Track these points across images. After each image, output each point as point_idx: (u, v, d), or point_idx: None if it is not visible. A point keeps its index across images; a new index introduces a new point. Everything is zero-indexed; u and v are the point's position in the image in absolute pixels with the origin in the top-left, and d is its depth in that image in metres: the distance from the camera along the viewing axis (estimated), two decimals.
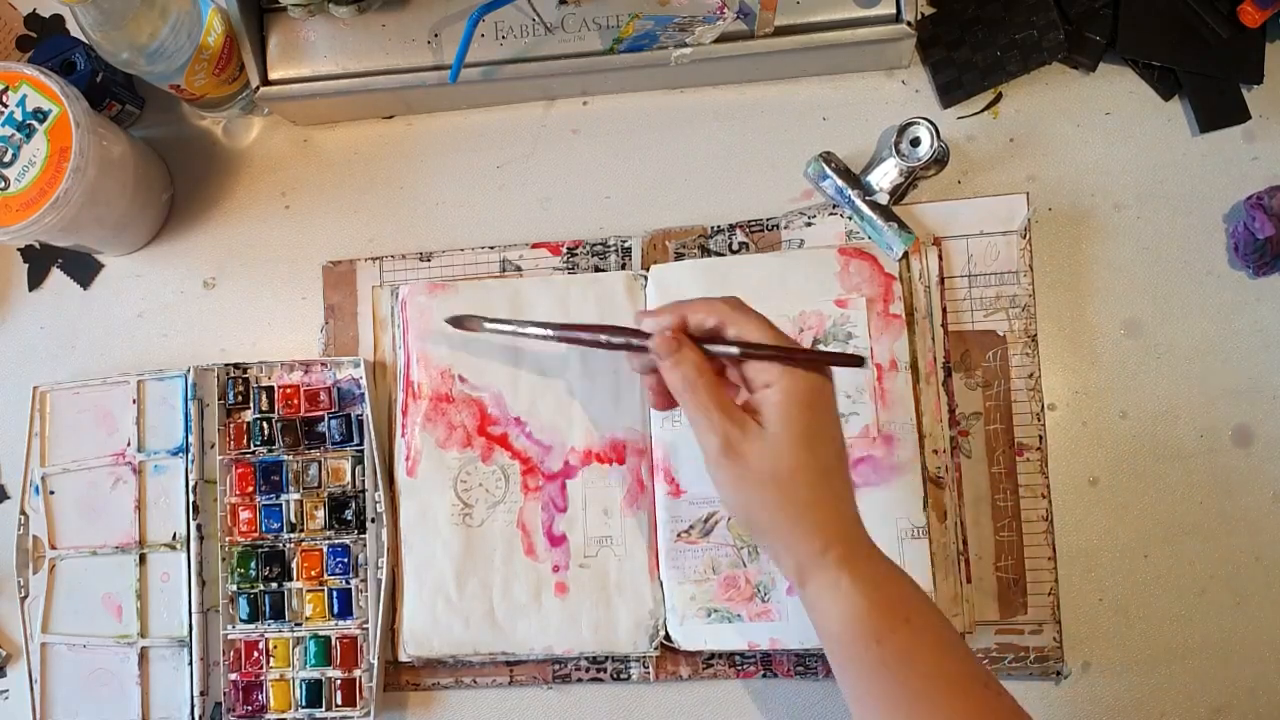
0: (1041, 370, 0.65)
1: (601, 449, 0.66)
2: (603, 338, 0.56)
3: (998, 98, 0.68)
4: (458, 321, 0.63)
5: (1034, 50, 0.66)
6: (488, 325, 0.62)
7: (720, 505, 0.64)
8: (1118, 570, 0.64)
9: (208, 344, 0.73)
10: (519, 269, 0.69)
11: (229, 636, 0.68)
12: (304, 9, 0.67)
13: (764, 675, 0.65)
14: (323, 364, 0.69)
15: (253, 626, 0.67)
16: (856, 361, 0.52)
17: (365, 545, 0.67)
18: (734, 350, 0.53)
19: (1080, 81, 0.68)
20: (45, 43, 0.73)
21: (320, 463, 0.68)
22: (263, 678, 0.67)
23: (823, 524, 0.51)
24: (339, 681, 0.67)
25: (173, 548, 0.69)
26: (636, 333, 0.55)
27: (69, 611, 0.69)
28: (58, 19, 0.77)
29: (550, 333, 0.59)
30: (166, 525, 0.69)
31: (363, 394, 0.68)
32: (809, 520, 0.51)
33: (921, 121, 0.64)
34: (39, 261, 0.75)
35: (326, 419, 0.68)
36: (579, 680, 0.66)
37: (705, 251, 0.68)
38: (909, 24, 0.64)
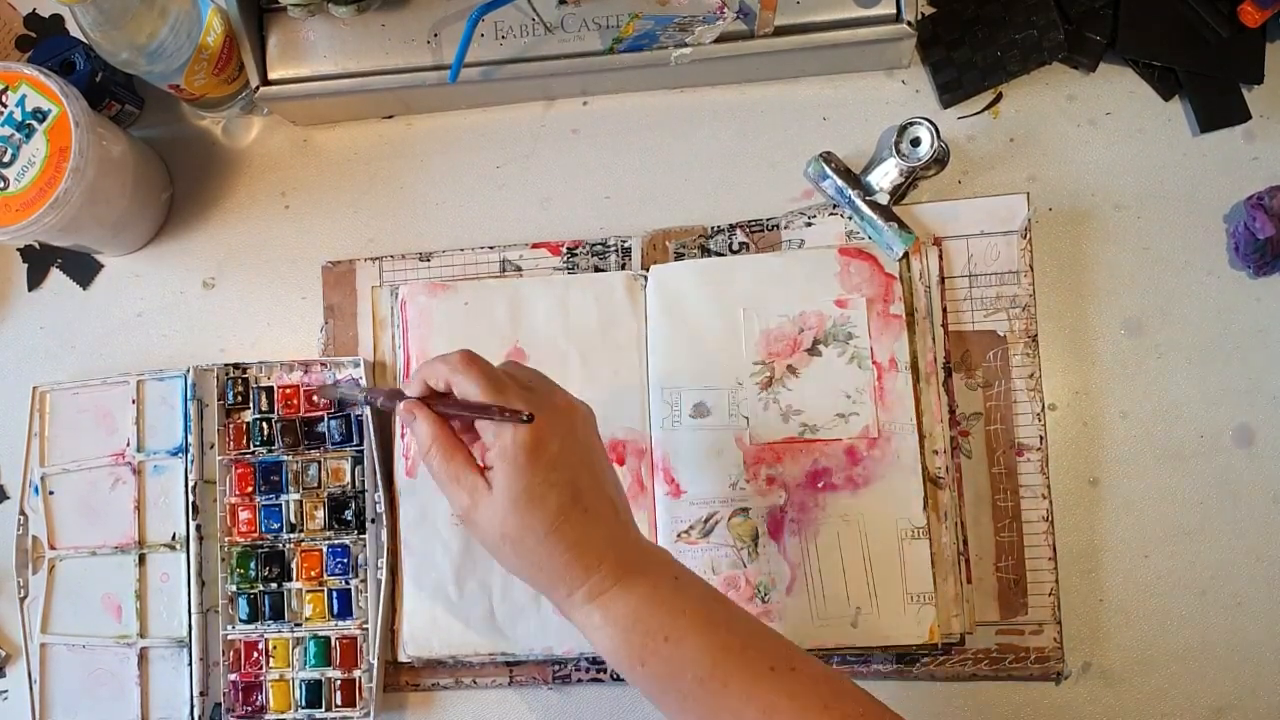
0: (1042, 370, 0.65)
1: None
2: (379, 401, 0.58)
3: (998, 98, 0.68)
4: (323, 392, 0.67)
5: (1034, 50, 0.66)
6: (339, 391, 0.67)
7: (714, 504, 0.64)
8: (1118, 571, 0.64)
9: (207, 344, 0.73)
10: (519, 269, 0.69)
11: (229, 637, 0.68)
12: (304, 9, 0.67)
13: None
14: (322, 364, 0.69)
15: (252, 627, 0.67)
16: (522, 418, 0.51)
17: (365, 546, 0.67)
18: (455, 413, 0.54)
19: (1080, 81, 0.68)
20: (45, 43, 0.73)
21: (320, 463, 0.68)
22: (262, 678, 0.67)
23: (560, 573, 0.52)
24: (339, 682, 0.67)
25: (172, 548, 0.69)
26: (397, 395, 0.57)
27: (68, 612, 0.69)
28: (57, 19, 0.77)
29: (364, 396, 0.63)
30: (166, 525, 0.69)
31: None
32: (547, 572, 0.52)
33: (922, 121, 0.64)
34: (39, 261, 0.75)
35: (326, 419, 0.68)
36: (579, 681, 0.66)
37: (705, 251, 0.68)
38: (909, 24, 0.64)
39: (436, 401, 0.55)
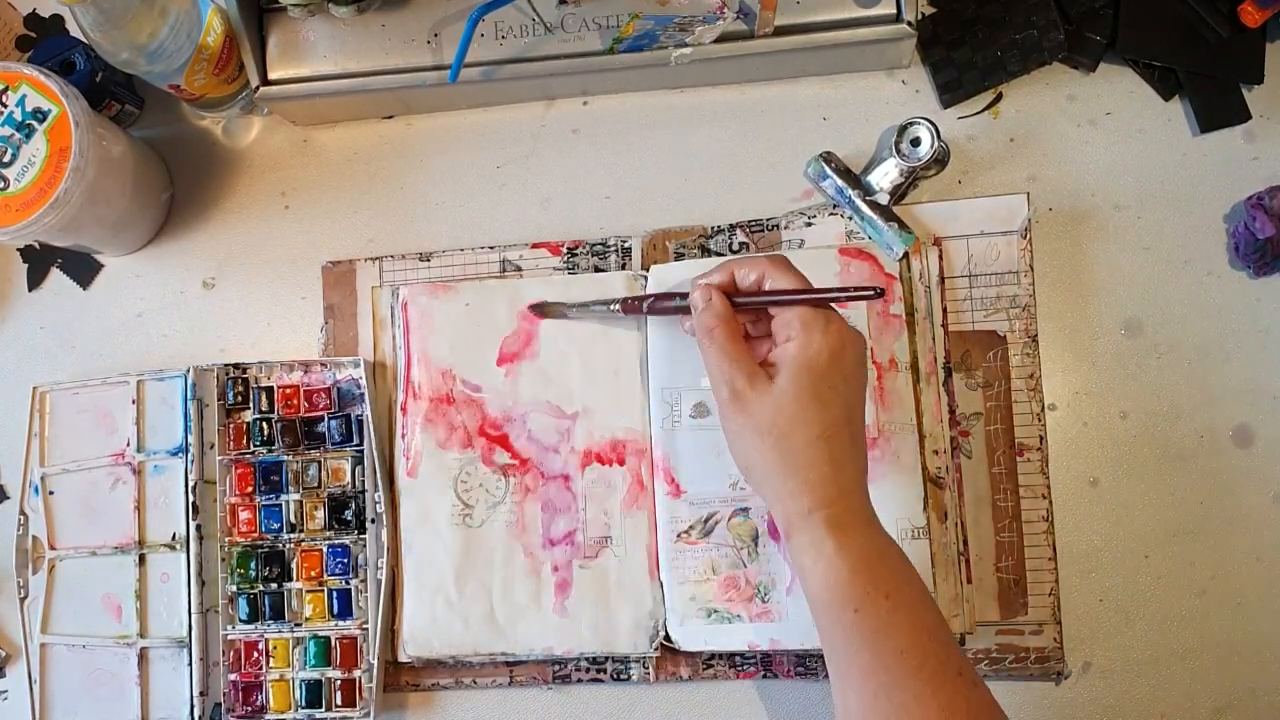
0: (1042, 370, 0.65)
1: (601, 449, 0.66)
2: (660, 303, 0.62)
3: (998, 98, 0.68)
4: (539, 309, 0.67)
5: (1034, 50, 0.66)
6: (570, 312, 0.66)
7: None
8: (1118, 571, 0.64)
9: (207, 344, 0.73)
10: (519, 269, 0.69)
11: (229, 637, 0.68)
12: (304, 9, 0.67)
13: (764, 676, 0.65)
14: (323, 364, 0.69)
15: (252, 627, 0.67)
16: (873, 293, 0.53)
17: (365, 546, 0.67)
18: (756, 300, 0.55)
19: (1080, 81, 0.68)
20: (45, 43, 0.73)
21: (320, 463, 0.68)
22: (262, 678, 0.67)
23: (814, 484, 0.51)
24: (339, 682, 0.67)
25: (172, 548, 0.69)
26: (687, 294, 0.58)
27: (68, 612, 0.69)
28: (57, 19, 0.77)
29: (616, 307, 0.64)
30: (166, 525, 0.69)
31: (363, 394, 0.68)
32: (800, 478, 0.52)
33: (922, 121, 0.64)
34: (39, 261, 0.75)
35: (326, 419, 0.68)
36: (579, 681, 0.66)
37: (705, 251, 0.68)
38: (909, 24, 0.64)
39: (741, 294, 0.56)
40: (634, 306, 0.63)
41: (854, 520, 0.52)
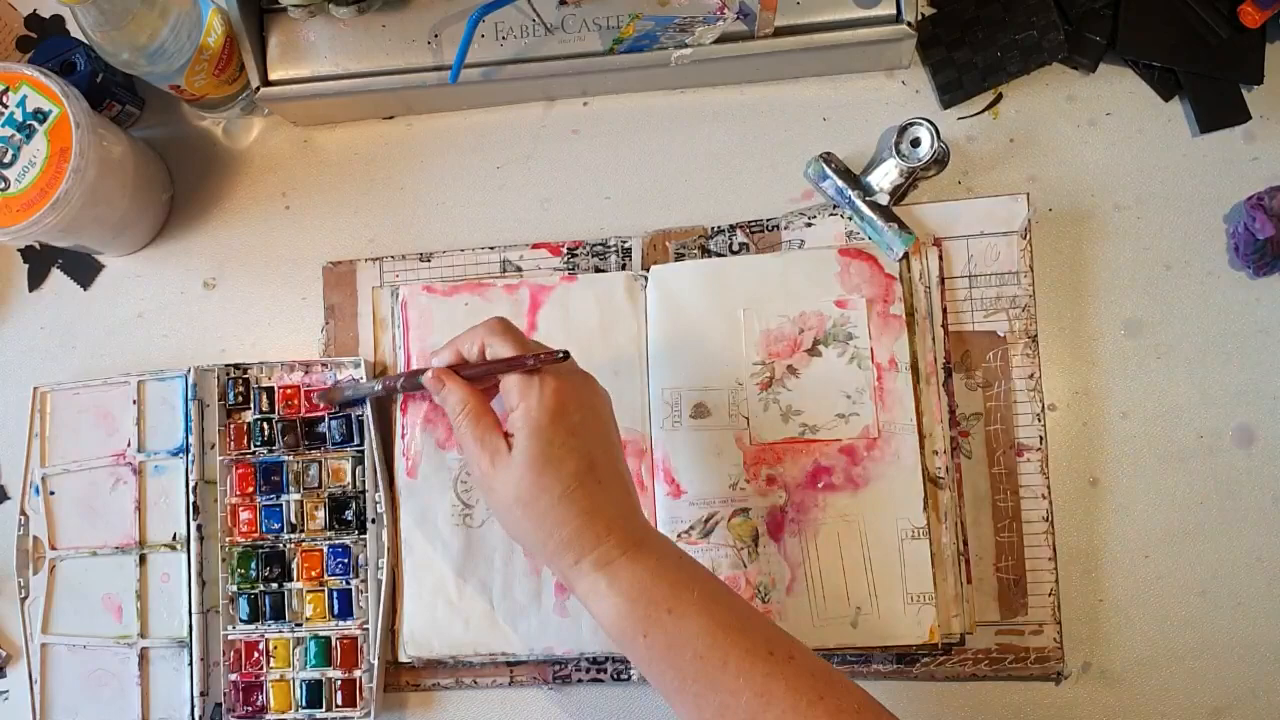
0: (1042, 371, 0.65)
1: None
2: (399, 384, 0.61)
3: (998, 98, 0.68)
4: (325, 398, 0.67)
5: (1034, 51, 0.66)
6: (346, 393, 0.67)
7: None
8: (1118, 571, 0.64)
9: (208, 344, 0.73)
10: (519, 269, 0.69)
11: (229, 637, 0.68)
12: (304, 9, 0.67)
13: None
14: (323, 364, 0.69)
15: (253, 627, 0.67)
16: (561, 355, 0.54)
17: (365, 546, 0.67)
18: (479, 372, 0.56)
19: (1080, 81, 0.68)
20: (45, 43, 0.73)
21: (320, 463, 0.68)
22: (263, 678, 0.67)
23: (570, 540, 0.52)
24: (339, 682, 0.67)
25: (173, 548, 0.69)
26: (422, 372, 0.58)
27: (69, 612, 0.69)
28: (58, 19, 0.77)
29: (379, 387, 0.64)
30: (166, 526, 0.69)
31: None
32: (557, 538, 0.53)
33: (922, 122, 0.64)
34: (39, 262, 0.75)
35: (327, 419, 0.68)
36: (579, 681, 0.66)
37: (705, 252, 0.68)
38: (909, 24, 0.64)
39: (464, 368, 0.56)
40: (390, 386, 0.63)
41: (620, 552, 0.52)
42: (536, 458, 0.52)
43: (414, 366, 0.68)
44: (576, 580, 0.53)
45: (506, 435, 0.54)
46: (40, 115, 0.63)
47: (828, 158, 0.67)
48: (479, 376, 0.56)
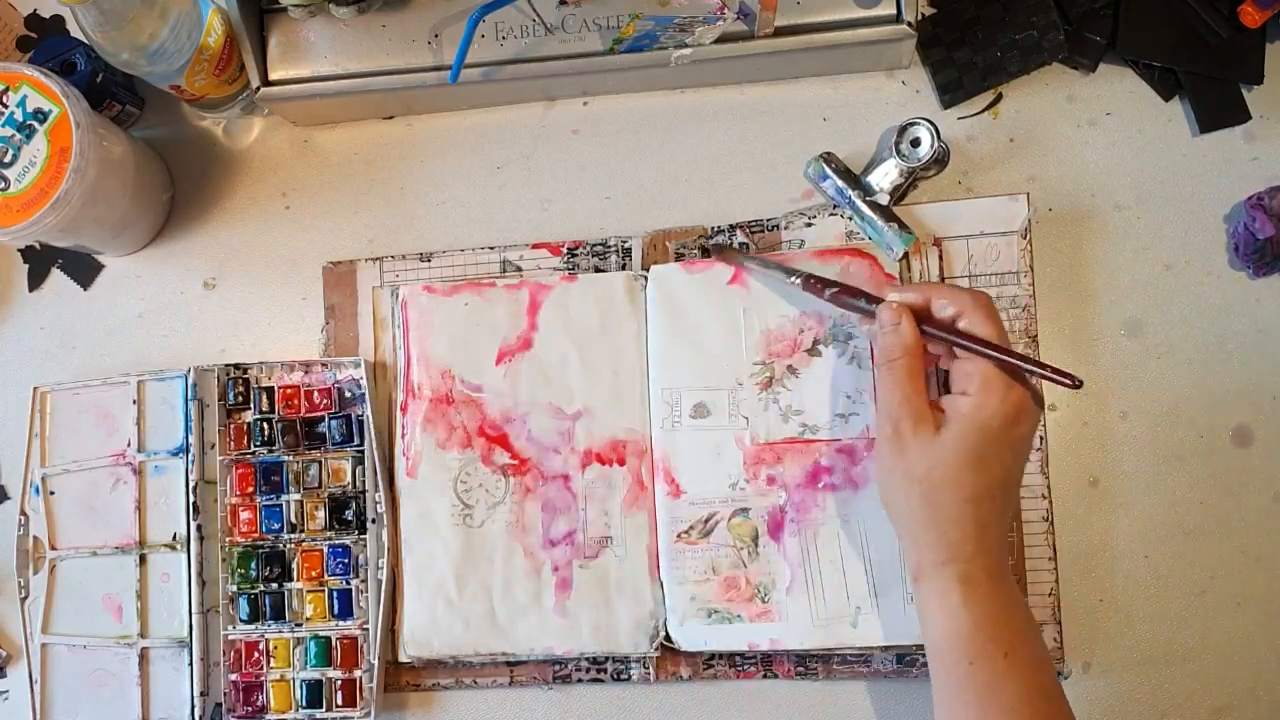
0: None
1: (601, 449, 0.66)
2: (844, 297, 0.59)
3: (998, 98, 0.68)
4: (717, 250, 0.65)
5: (1034, 51, 0.66)
6: (748, 263, 0.64)
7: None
8: (1118, 571, 0.64)
9: (208, 344, 0.73)
10: (519, 269, 0.69)
11: (229, 637, 0.68)
12: (304, 9, 0.67)
13: (764, 676, 0.65)
14: (323, 364, 0.69)
15: (253, 627, 0.67)
16: (1071, 382, 0.51)
17: (365, 546, 0.67)
18: (947, 337, 0.53)
19: (1080, 81, 0.68)
20: (45, 43, 0.73)
21: (320, 463, 0.68)
22: (263, 678, 0.67)
23: (954, 541, 0.52)
24: (339, 682, 0.67)
25: (173, 548, 0.69)
26: (875, 299, 0.57)
27: (69, 612, 0.69)
28: (58, 19, 0.77)
29: (797, 281, 0.61)
30: (166, 526, 0.69)
31: (363, 394, 0.68)
32: (940, 532, 0.52)
33: (922, 122, 0.64)
34: (39, 262, 0.75)
35: (327, 419, 0.68)
36: (579, 681, 0.66)
37: (705, 252, 0.68)
38: (909, 24, 0.64)
39: (934, 324, 0.54)
40: (816, 288, 0.60)
41: (986, 577, 0.52)
42: (967, 452, 0.51)
43: (414, 366, 0.68)
44: (933, 578, 0.52)
45: (935, 407, 0.53)
46: (40, 115, 0.63)
47: (828, 158, 0.67)
48: (945, 340, 0.54)
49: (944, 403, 0.53)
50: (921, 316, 0.55)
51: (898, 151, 0.65)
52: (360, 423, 0.68)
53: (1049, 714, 0.51)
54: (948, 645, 0.51)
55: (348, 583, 0.67)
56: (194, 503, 0.68)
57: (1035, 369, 0.52)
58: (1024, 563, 0.64)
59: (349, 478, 0.68)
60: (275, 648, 0.67)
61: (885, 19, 0.64)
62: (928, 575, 0.53)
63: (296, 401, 0.69)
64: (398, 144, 0.73)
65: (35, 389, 0.71)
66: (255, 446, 0.68)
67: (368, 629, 0.67)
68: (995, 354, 0.52)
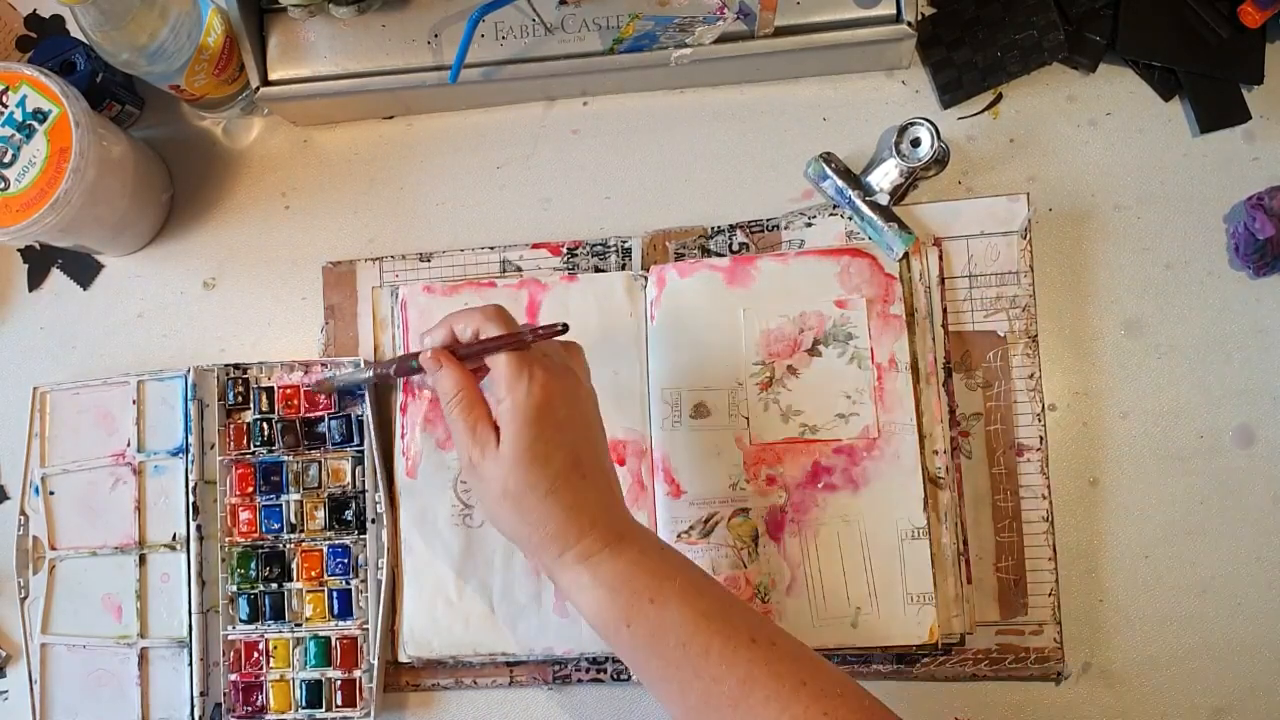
0: (1042, 371, 0.65)
1: None
2: (400, 366, 0.59)
3: (998, 98, 0.68)
4: (318, 387, 0.67)
5: (1034, 51, 0.66)
6: (336, 381, 0.66)
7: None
8: (1118, 571, 0.64)
9: (208, 344, 0.73)
10: (519, 269, 0.69)
11: (229, 637, 0.68)
12: (304, 9, 0.67)
13: None
14: (323, 364, 0.69)
15: (253, 627, 0.67)
16: (561, 328, 0.54)
17: (365, 546, 0.67)
18: (473, 350, 0.55)
19: (1080, 81, 0.68)
20: (45, 43, 0.73)
21: (320, 463, 0.68)
22: (263, 678, 0.67)
23: (555, 534, 0.53)
24: (339, 682, 0.67)
25: (173, 548, 0.69)
26: (417, 355, 0.57)
27: (69, 612, 0.69)
28: (58, 19, 0.77)
29: (370, 374, 0.63)
30: (166, 526, 0.69)
31: (363, 394, 0.68)
32: (543, 532, 0.53)
33: (922, 122, 0.64)
34: (39, 262, 0.75)
35: (326, 419, 0.68)
36: (579, 681, 0.66)
37: (705, 252, 0.68)
38: (909, 24, 0.64)
39: (459, 347, 0.56)
40: (383, 372, 0.61)
41: (603, 545, 0.53)
42: (524, 453, 0.52)
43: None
44: (560, 573, 0.53)
45: (495, 425, 0.54)
46: (40, 115, 0.63)
47: (828, 158, 0.67)
48: (473, 355, 0.56)
49: (495, 416, 0.54)
50: (454, 348, 0.56)
51: (898, 151, 0.65)
52: (360, 423, 0.68)
53: (721, 630, 0.50)
54: (601, 621, 0.52)
55: (347, 583, 0.67)
56: (194, 503, 0.68)
57: (531, 335, 0.54)
58: (1024, 563, 0.64)
59: (349, 478, 0.68)
60: (275, 648, 0.67)
61: (885, 19, 0.64)
62: (555, 572, 0.54)
63: (296, 401, 0.69)
64: (398, 144, 0.73)
65: (35, 389, 0.71)
66: (255, 446, 0.68)
67: (367, 629, 0.67)
68: (498, 342, 0.54)
